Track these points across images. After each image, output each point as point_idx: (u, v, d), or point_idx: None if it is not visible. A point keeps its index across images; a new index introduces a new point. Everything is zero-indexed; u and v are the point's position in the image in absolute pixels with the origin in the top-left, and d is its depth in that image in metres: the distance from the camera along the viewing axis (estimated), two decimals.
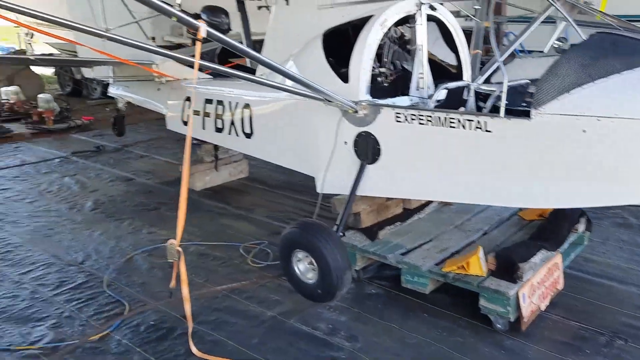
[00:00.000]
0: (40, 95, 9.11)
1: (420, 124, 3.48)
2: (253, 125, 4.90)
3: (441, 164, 3.48)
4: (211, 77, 6.40)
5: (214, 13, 8.71)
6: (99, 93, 12.07)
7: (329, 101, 3.69)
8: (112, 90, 7.41)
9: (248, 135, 5.00)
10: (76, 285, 4.08)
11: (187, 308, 3.03)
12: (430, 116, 3.41)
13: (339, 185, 4.04)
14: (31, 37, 16.26)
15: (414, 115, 3.48)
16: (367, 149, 3.76)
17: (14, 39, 26.28)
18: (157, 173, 6.85)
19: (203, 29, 2.77)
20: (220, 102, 5.36)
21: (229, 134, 5.25)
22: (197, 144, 7.57)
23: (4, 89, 10.00)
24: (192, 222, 5.26)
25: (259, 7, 12.77)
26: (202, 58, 2.99)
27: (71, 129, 9.12)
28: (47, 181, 6.51)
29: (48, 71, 14.37)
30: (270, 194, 6.12)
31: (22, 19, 4.56)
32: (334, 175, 3.99)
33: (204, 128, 5.64)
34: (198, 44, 2.87)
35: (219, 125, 5.39)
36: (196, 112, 5.74)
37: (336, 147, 3.94)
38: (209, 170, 6.30)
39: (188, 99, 5.91)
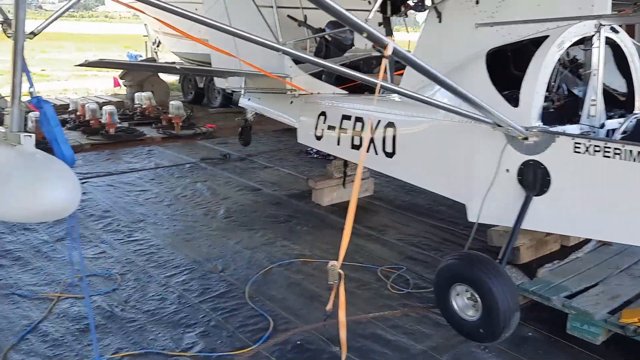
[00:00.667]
0: (171, 102, 9.57)
1: (606, 156, 3.16)
2: (396, 144, 4.75)
3: (624, 201, 3.14)
4: (346, 92, 6.39)
5: (339, 27, 8.72)
6: (220, 102, 12.54)
7: (498, 125, 3.46)
8: (243, 101, 7.59)
9: (389, 155, 4.86)
10: (219, 294, 4.12)
11: (343, 334, 2.89)
12: (619, 149, 3.09)
13: (496, 215, 3.79)
14: (157, 46, 17.38)
15: (598, 146, 3.17)
16: (535, 179, 3.49)
17: (136, 46, 28.33)
18: (283, 185, 6.90)
19: (391, 46, 2.65)
20: (359, 119, 5.29)
21: (367, 151, 5.15)
22: (325, 158, 7.64)
23: (137, 94, 10.62)
24: (324, 239, 5.20)
25: (379, 24, 12.77)
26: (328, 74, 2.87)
27: (197, 135, 9.48)
28: (181, 185, 6.75)
29: (172, 78, 15.17)
30: (398, 214, 5.94)
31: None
32: (491, 204, 3.73)
33: (338, 144, 5.60)
34: (384, 61, 2.75)
35: (356, 143, 5.31)
36: (331, 128, 5.72)
37: (497, 175, 3.70)
38: (337, 186, 6.23)
39: (323, 113, 5.90)
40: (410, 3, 5.23)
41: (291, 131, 9.41)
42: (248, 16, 7.05)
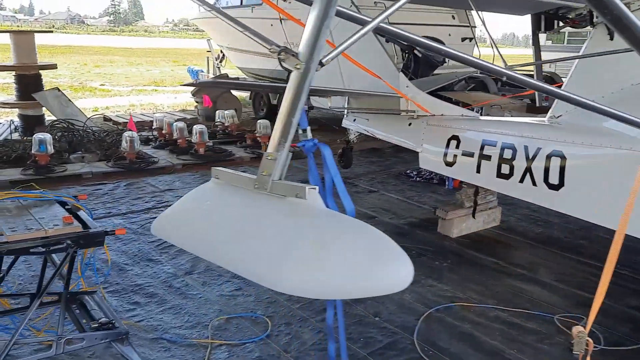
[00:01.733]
0: (260, 121, 9.26)
1: None
2: (565, 176, 4.26)
3: None
4: (478, 114, 5.94)
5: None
6: None
7: None
8: (347, 122, 7.23)
9: (554, 187, 4.37)
10: (386, 345, 3.69)
11: None
12: None
13: None
14: (221, 62, 17.28)
15: None
16: None
17: (182, 59, 28.53)
18: (398, 212, 6.45)
19: None
20: (509, 146, 4.82)
21: (520, 182, 4.68)
22: (428, 181, 7.17)
23: (219, 111, 10.37)
24: (472, 279, 4.73)
25: (469, 39, 12.33)
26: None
27: None
28: None
29: (243, 95, 15.00)
30: (539, 249, 5.41)
31: None
32: None
33: (478, 172, 5.14)
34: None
35: (505, 171, 4.84)
36: (467, 154, 5.27)
37: None
38: (466, 216, 5.76)
39: (455, 138, 5.46)
40: (573, 17, 4.78)
41: (378, 151, 9.02)
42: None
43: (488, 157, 5.02)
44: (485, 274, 4.84)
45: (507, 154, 4.82)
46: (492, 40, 13.02)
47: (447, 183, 7.48)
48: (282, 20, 12.04)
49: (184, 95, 18.65)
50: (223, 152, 8.87)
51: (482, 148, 5.10)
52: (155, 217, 2.10)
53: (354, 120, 7.04)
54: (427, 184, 7.70)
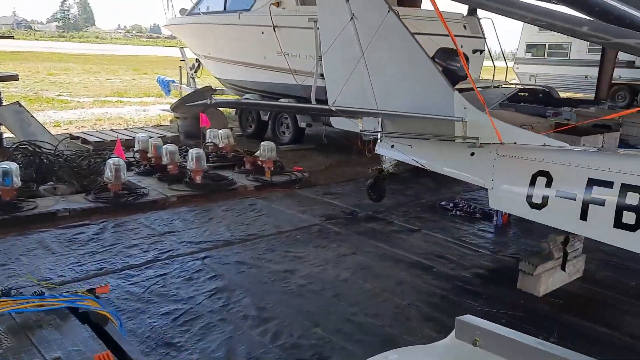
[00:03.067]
0: (263, 143, 8.02)
1: None
2: None
3: None
4: (567, 144, 4.93)
5: (452, 57, 7.26)
6: (291, 137, 11.03)
7: None
8: (383, 149, 6.13)
9: None
10: None
11: None
12: None
13: None
14: (195, 72, 15.86)
15: None
16: None
17: (157, 69, 26.72)
18: (455, 260, 5.35)
19: None
20: (636, 188, 3.81)
21: None
22: (470, 215, 6.11)
23: (210, 130, 9.05)
24: None
25: (479, 51, 11.45)
26: None
27: (294, 183, 7.93)
28: (330, 262, 5.17)
29: (229, 110, 13.70)
30: None
31: None
32: None
33: (584, 219, 4.12)
34: None
35: (629, 221, 3.82)
36: (565, 195, 4.25)
37: None
38: (553, 269, 4.72)
39: (543, 174, 4.43)
40: None
41: (394, 176, 7.86)
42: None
43: (600, 202, 4.00)
44: (612, 352, 3.79)
45: (634, 198, 3.81)
46: (503, 53, 12.17)
47: (495, 218, 6.47)
48: (276, 28, 10.87)
49: (152, 108, 17.14)
50: (222, 179, 7.58)
51: (589, 189, 4.08)
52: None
53: (392, 146, 5.93)
54: (469, 218, 6.66)
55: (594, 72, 21.00)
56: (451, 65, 7.52)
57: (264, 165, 7.92)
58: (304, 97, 10.35)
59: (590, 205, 4.06)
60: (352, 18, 5.95)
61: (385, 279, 4.87)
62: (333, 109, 5.08)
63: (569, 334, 4.03)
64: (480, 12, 11.14)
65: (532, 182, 4.47)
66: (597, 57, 20.20)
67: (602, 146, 8.20)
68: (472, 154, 5.06)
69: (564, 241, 4.73)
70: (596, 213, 4.02)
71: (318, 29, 10.11)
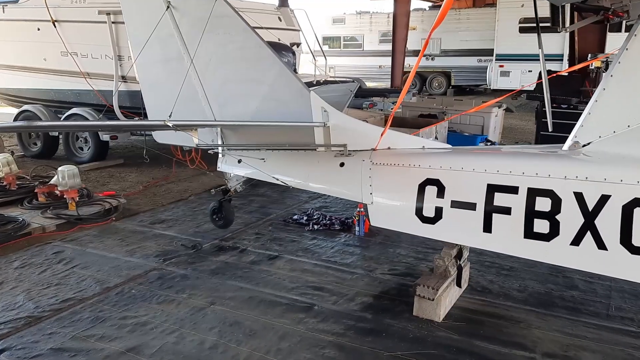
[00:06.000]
0: (61, 169, 6.24)
1: None
2: None
3: None
4: (449, 146, 4.39)
5: (279, 51, 6.63)
6: (92, 154, 9.16)
7: None
8: (226, 166, 5.08)
9: None
10: None
11: None
12: None
13: None
14: None
15: None
16: None
17: None
18: (334, 290, 4.52)
19: None
20: (546, 193, 3.37)
21: (575, 244, 3.30)
22: (328, 228, 5.31)
23: None
24: None
25: (296, 44, 10.74)
26: None
27: (108, 213, 6.34)
28: (186, 319, 3.93)
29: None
30: (550, 319, 4.06)
31: None
32: None
33: (488, 231, 3.63)
34: None
35: (541, 230, 3.38)
36: (462, 205, 3.72)
37: None
38: (449, 287, 4.16)
39: (433, 182, 3.86)
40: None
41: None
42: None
43: (505, 210, 3.51)
44: None
45: (544, 204, 3.37)
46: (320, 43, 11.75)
47: (357, 229, 5.82)
48: (57, 23, 8.88)
49: None
50: (7, 222, 5.68)
51: (490, 196, 3.58)
52: None
53: (239, 161, 4.88)
54: (328, 231, 5.91)
55: (387, 61, 22.38)
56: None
57: (65, 197, 6.20)
58: (102, 104, 8.68)
59: (494, 214, 3.56)
60: (168, 7, 4.72)
61: (262, 334, 3.82)
62: (169, 124, 3.86)
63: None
64: (293, 3, 10.56)
65: (421, 193, 3.85)
66: (388, 47, 21.50)
67: (435, 137, 8.18)
68: (342, 164, 4.29)
69: (458, 254, 4.22)
70: (502, 223, 3.52)
71: (113, 22, 8.63)
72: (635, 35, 3.27)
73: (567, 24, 3.76)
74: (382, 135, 4.05)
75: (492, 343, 3.72)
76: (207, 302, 4.26)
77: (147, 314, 4.06)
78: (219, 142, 4.88)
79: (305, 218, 6.19)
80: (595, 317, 4.08)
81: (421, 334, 3.83)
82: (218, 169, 5.02)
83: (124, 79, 8.42)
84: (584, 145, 3.46)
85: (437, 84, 22.38)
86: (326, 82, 9.97)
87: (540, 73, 4.22)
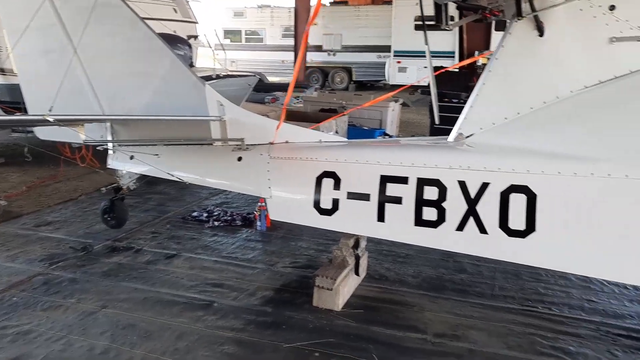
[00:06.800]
0: None
1: None
2: (537, 217, 3.23)
3: None
4: (345, 140, 4.46)
5: (175, 44, 6.52)
6: None
7: None
8: (118, 163, 4.87)
9: (519, 234, 3.32)
10: None
11: None
12: None
13: None
14: None
15: None
16: None
17: None
18: (233, 286, 4.48)
19: None
20: (433, 182, 3.54)
21: (459, 229, 3.50)
22: (229, 224, 5.23)
23: None
24: None
25: (194, 37, 10.41)
26: None
27: None
28: (75, 324, 3.70)
29: None
30: (440, 300, 4.29)
31: None
32: None
33: (382, 220, 3.76)
34: None
35: (431, 217, 3.56)
36: (358, 197, 3.83)
37: None
38: (347, 277, 4.25)
39: (329, 175, 3.94)
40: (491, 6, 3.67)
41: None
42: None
43: (397, 200, 3.65)
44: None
45: (432, 193, 3.53)
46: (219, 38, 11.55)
47: (258, 223, 5.79)
48: None
49: None
50: None
51: (383, 187, 3.70)
52: None
53: (131, 157, 4.67)
54: (229, 227, 5.83)
55: (289, 56, 22.44)
56: (176, 54, 6.43)
57: None
58: None
59: (386, 204, 3.68)
60: None
61: (158, 335, 3.70)
62: (50, 119, 3.60)
63: (384, 348, 3.60)
64: None
65: (318, 186, 3.91)
66: (291, 42, 21.57)
67: (336, 131, 8.31)
68: (240, 159, 4.25)
69: (355, 244, 4.32)
70: (394, 213, 3.66)
71: None
72: (510, 33, 3.51)
73: (450, 21, 3.95)
74: (277, 128, 4.05)
75: (388, 328, 3.86)
76: (98, 306, 4.05)
77: (31, 322, 3.79)
78: (109, 138, 4.65)
79: (205, 215, 6.06)
80: (481, 297, 4.35)
81: (320, 324, 3.89)
82: (108, 166, 4.78)
83: (2, 71, 7.79)
84: (467, 137, 3.67)
85: (339, 79, 22.76)
86: (226, 76, 9.79)
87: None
